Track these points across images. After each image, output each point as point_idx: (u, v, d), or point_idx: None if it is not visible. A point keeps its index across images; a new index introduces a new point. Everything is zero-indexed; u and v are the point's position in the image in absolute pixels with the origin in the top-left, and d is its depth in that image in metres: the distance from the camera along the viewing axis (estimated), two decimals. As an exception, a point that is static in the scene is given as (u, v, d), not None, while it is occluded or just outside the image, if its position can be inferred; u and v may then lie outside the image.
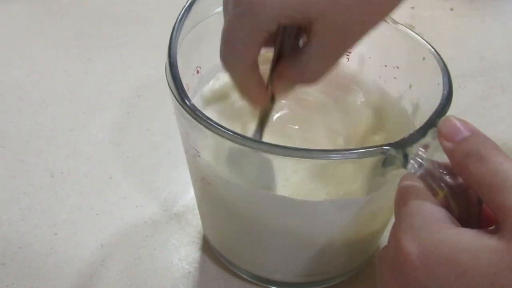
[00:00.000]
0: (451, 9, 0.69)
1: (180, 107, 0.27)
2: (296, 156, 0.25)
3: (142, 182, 0.45)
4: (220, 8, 0.28)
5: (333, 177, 0.31)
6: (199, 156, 0.29)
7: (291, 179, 0.31)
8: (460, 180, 0.23)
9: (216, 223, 0.37)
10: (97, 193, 0.44)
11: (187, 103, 0.26)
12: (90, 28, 0.62)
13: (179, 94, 0.27)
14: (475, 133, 0.23)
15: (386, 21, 0.32)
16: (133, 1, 0.66)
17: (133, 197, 0.44)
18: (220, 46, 0.27)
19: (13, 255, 0.39)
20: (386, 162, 0.26)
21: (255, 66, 0.28)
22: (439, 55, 0.30)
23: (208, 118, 0.26)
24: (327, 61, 0.27)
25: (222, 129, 0.25)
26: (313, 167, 0.30)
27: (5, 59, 0.57)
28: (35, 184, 0.45)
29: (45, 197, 0.44)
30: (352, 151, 0.25)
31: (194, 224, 0.42)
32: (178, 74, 0.28)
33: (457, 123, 0.24)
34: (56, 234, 0.41)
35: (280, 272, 0.36)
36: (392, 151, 0.25)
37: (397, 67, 0.34)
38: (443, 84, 0.28)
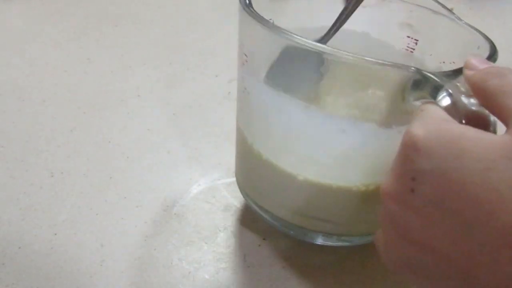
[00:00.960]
0: (451, 9, 0.69)
1: (241, 6, 0.31)
2: (329, 53, 0.27)
3: (142, 182, 0.45)
4: None
5: (358, 100, 0.32)
6: (246, 62, 0.32)
7: (323, 91, 0.32)
8: (482, 110, 0.24)
9: (243, 147, 0.38)
10: (97, 193, 0.44)
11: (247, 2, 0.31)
12: (90, 28, 0.62)
13: None
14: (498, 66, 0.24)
15: (451, 17, 0.33)
16: (133, 1, 0.66)
17: (133, 197, 0.44)
18: None
19: (13, 255, 0.39)
20: (416, 84, 0.26)
21: None
22: (492, 42, 0.31)
23: (261, 16, 0.29)
24: None
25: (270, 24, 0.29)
26: (346, 74, 0.31)
27: (5, 59, 0.57)
28: (35, 184, 0.45)
29: (45, 197, 0.44)
30: (388, 62, 0.26)
31: (194, 224, 0.42)
32: None
33: (483, 58, 0.25)
34: (56, 234, 0.41)
35: (303, 212, 0.37)
36: (426, 75, 0.25)
37: (454, 62, 0.35)
38: (489, 47, 0.30)
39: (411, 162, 0.23)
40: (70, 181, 0.45)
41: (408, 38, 0.37)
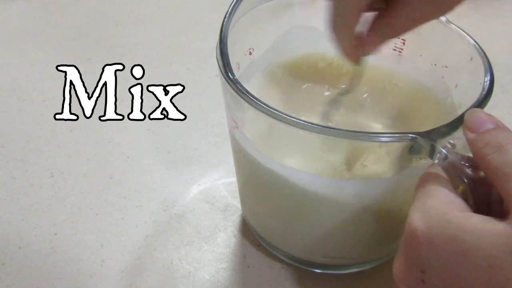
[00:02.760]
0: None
1: (224, 80, 0.29)
2: (325, 134, 0.27)
3: (142, 182, 0.45)
4: None
5: (361, 157, 0.32)
6: (237, 128, 0.32)
7: (321, 157, 0.32)
8: (483, 174, 0.24)
9: (250, 197, 0.38)
10: (97, 193, 0.44)
11: (230, 76, 0.29)
12: (90, 28, 0.62)
13: (224, 67, 0.30)
14: (498, 126, 0.24)
15: (440, 20, 0.33)
16: (133, 1, 0.66)
17: (133, 197, 0.44)
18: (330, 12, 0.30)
19: (13, 255, 0.39)
20: (412, 150, 0.26)
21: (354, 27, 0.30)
22: (485, 55, 0.30)
23: (247, 91, 0.28)
24: (418, 22, 0.29)
25: (258, 102, 0.28)
26: (343, 147, 0.31)
27: (5, 59, 0.57)
28: (35, 184, 0.45)
29: (45, 197, 0.44)
30: (380, 135, 0.27)
31: (194, 224, 0.42)
32: (226, 50, 0.31)
33: (483, 115, 0.25)
34: (56, 234, 0.41)
35: (311, 252, 0.37)
36: (420, 140, 0.26)
37: (446, 66, 0.35)
38: (485, 83, 0.29)
39: (418, 255, 0.23)
40: (70, 181, 0.45)
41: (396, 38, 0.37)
